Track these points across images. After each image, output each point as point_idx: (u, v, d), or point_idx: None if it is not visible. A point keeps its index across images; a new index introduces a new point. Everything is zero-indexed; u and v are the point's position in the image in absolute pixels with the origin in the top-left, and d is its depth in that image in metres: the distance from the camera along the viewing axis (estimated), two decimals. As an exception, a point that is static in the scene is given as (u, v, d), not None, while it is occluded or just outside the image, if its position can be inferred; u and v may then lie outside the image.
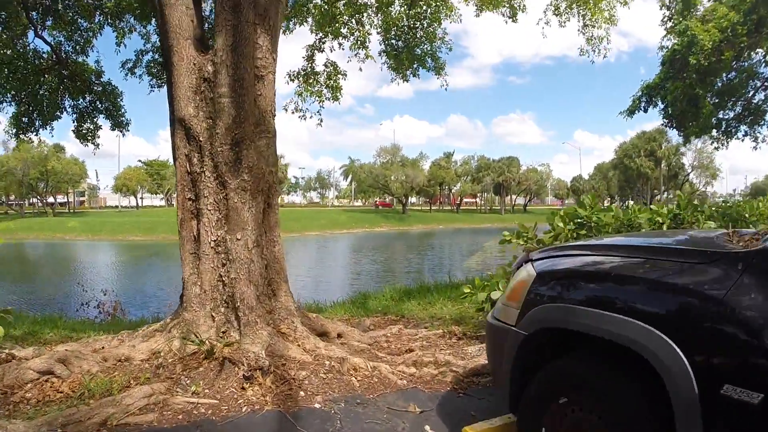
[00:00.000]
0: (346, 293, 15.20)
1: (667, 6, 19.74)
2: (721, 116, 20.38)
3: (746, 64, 18.37)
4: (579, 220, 4.79)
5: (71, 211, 78.19)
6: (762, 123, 21.11)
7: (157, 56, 10.37)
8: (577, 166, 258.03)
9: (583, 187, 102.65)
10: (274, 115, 5.19)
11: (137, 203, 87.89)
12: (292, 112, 11.02)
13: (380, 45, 11.64)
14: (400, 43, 11.44)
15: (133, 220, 61.29)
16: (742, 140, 21.14)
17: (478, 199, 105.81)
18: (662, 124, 21.29)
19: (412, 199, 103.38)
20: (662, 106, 20.05)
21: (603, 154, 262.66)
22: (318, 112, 11.10)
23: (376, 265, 27.54)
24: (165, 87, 5.74)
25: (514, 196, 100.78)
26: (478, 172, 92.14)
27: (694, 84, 17.66)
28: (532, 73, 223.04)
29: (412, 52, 11.45)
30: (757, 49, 17.69)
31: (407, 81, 11.82)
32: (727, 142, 21.41)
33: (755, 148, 23.30)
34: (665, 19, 20.03)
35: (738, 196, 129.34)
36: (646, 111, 20.67)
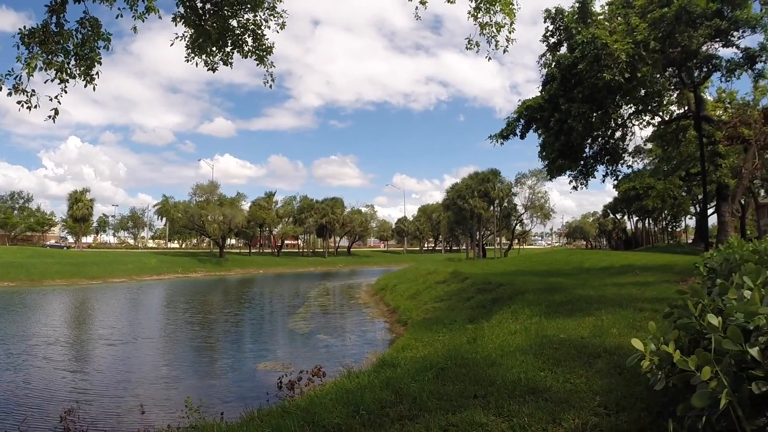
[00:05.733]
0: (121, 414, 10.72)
1: (552, 18, 17.16)
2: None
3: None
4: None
5: None
6: (621, 162, 20.22)
7: None
8: (395, 208, 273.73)
9: (408, 228, 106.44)
10: None
11: None
12: (9, 93, 6.09)
13: (177, 7, 7.65)
14: (207, 5, 7.71)
15: None
16: (603, 180, 19.52)
17: (300, 241, 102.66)
18: (541, 156, 18.37)
19: (231, 241, 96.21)
20: (540, 132, 17.31)
21: (421, 198, 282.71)
22: (57, 96, 6.47)
23: (180, 333, 22.40)
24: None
25: (337, 238, 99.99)
26: (301, 213, 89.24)
27: (603, 100, 14.75)
28: (353, 117, 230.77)
29: (224, 23, 7.77)
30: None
31: (214, 70, 8.07)
32: (586, 181, 20.18)
33: (615, 186, 21.99)
34: (548, 33, 17.47)
35: (555, 236, 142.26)
36: (523, 137, 17.97)
